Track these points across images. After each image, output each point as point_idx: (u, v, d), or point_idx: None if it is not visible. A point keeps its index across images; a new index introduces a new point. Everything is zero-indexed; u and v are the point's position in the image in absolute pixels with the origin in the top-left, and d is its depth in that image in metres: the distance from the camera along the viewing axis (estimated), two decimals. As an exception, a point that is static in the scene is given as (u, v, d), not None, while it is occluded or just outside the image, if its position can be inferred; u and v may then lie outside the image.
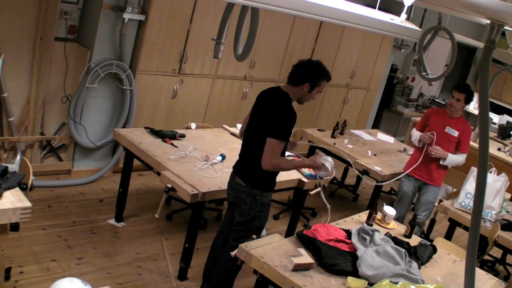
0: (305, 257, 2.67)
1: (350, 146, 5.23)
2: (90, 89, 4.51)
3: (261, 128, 3.06)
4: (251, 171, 3.15)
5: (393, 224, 3.56)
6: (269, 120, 3.03)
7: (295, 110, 3.07)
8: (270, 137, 2.99)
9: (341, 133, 5.59)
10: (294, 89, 3.11)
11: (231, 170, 3.30)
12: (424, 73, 2.80)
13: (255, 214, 3.18)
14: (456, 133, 4.41)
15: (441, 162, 4.45)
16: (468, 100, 4.42)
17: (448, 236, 4.44)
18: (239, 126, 4.91)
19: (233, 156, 4.08)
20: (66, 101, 4.56)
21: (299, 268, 2.60)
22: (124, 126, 4.78)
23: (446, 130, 4.43)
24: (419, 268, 2.91)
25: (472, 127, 4.50)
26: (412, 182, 4.62)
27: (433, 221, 5.13)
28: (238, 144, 4.47)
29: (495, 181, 4.23)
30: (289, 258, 2.61)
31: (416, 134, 4.61)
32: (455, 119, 4.45)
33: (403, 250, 2.89)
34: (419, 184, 4.62)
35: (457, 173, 5.35)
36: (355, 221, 3.48)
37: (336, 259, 2.71)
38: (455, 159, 4.47)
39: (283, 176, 3.98)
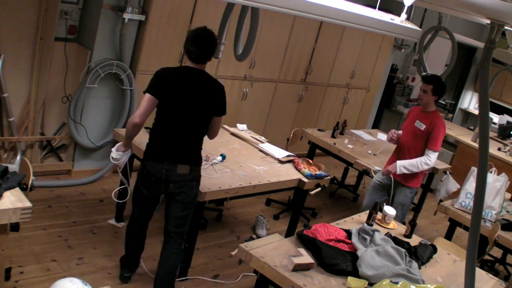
0: (305, 257, 2.67)
1: (350, 146, 5.24)
2: (90, 89, 4.51)
3: (204, 110, 3.11)
4: (195, 154, 3.18)
5: (393, 224, 3.56)
6: (215, 102, 3.14)
7: None
8: (219, 115, 3.19)
9: (341, 133, 5.59)
10: (204, 66, 3.12)
11: (163, 162, 3.08)
12: (424, 73, 2.80)
13: (197, 190, 3.24)
14: (423, 127, 4.19)
15: (397, 172, 4.21)
16: (437, 92, 4.15)
17: (448, 236, 4.44)
18: (239, 126, 4.92)
19: (234, 156, 4.10)
20: (66, 101, 4.56)
21: (299, 268, 2.60)
22: (124, 126, 4.77)
23: (415, 124, 4.27)
24: (419, 268, 2.91)
25: (441, 124, 4.19)
26: (386, 178, 4.39)
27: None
28: (238, 144, 4.48)
29: (495, 181, 4.23)
30: (289, 258, 2.61)
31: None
32: (426, 113, 4.25)
33: (403, 250, 2.89)
34: (393, 183, 4.33)
35: (458, 173, 5.36)
36: (355, 221, 3.48)
37: (336, 259, 2.71)
38: (408, 164, 4.19)
39: (283, 176, 3.99)
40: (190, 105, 3.07)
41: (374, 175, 4.56)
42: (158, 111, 3.13)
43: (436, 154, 4.19)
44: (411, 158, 4.24)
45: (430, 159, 4.16)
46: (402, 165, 4.21)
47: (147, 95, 3.03)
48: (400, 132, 4.48)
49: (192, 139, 3.16)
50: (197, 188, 3.23)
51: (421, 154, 4.21)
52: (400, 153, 4.38)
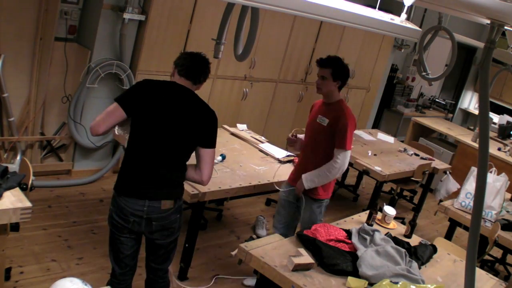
0: (305, 257, 2.67)
1: (350, 146, 5.23)
2: (90, 89, 4.51)
3: (186, 138, 2.60)
4: (177, 187, 2.69)
5: (393, 224, 3.56)
6: (200, 129, 2.62)
7: None
8: (209, 147, 2.65)
9: (341, 133, 5.58)
10: (195, 88, 2.69)
11: (143, 199, 2.59)
12: (424, 73, 2.80)
13: (180, 224, 2.78)
14: (326, 121, 3.39)
15: (306, 188, 3.44)
16: (338, 75, 3.35)
17: (448, 236, 4.44)
18: (239, 126, 4.92)
19: (234, 156, 4.09)
20: (66, 101, 4.56)
21: (299, 268, 2.60)
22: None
23: (317, 120, 3.45)
24: (419, 268, 2.92)
25: (348, 116, 3.36)
26: (291, 190, 3.63)
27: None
28: (238, 144, 4.48)
29: (495, 181, 4.23)
30: (289, 258, 2.61)
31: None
32: (329, 105, 3.44)
33: (403, 250, 2.89)
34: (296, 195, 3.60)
35: (458, 173, 5.36)
36: (355, 221, 3.48)
37: (337, 259, 2.71)
38: (315, 175, 3.39)
39: (284, 176, 3.99)
40: (169, 127, 2.57)
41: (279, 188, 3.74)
42: (131, 133, 2.62)
43: (347, 153, 3.36)
44: (317, 163, 3.43)
45: (337, 161, 3.34)
46: (309, 179, 3.41)
47: (114, 104, 2.55)
48: (302, 136, 3.67)
49: (173, 170, 2.64)
50: (180, 221, 2.77)
51: (331, 156, 3.39)
52: (306, 159, 3.55)
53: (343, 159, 3.36)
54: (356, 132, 5.94)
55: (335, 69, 3.34)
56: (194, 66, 2.64)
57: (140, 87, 2.61)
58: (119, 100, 2.57)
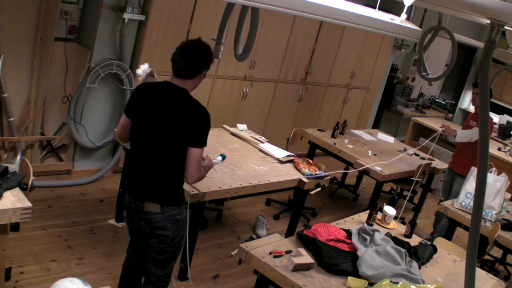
0: (306, 257, 2.67)
1: (350, 146, 5.24)
2: (90, 89, 4.51)
3: (174, 137, 2.57)
4: (165, 190, 2.65)
5: (393, 224, 3.56)
6: (186, 128, 2.55)
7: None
8: (194, 147, 2.56)
9: (341, 133, 5.59)
10: (190, 82, 2.64)
11: (130, 195, 2.70)
12: (424, 73, 2.80)
13: (178, 235, 2.74)
14: (474, 123, 5.02)
15: (454, 140, 5.11)
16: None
17: (448, 236, 4.44)
18: (239, 126, 4.91)
19: (234, 156, 4.09)
20: (66, 101, 4.56)
21: (299, 268, 2.60)
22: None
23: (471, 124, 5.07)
24: (419, 268, 2.91)
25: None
26: (448, 172, 5.33)
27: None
28: (238, 144, 4.48)
29: (495, 181, 4.22)
30: (289, 258, 2.61)
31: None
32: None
33: (403, 250, 2.89)
34: (451, 175, 5.24)
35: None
36: (355, 221, 3.48)
37: (337, 259, 2.71)
38: (463, 133, 4.99)
39: (283, 176, 3.99)
40: (156, 129, 2.59)
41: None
42: (130, 133, 2.74)
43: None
44: (471, 152, 4.93)
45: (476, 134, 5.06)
46: (462, 135, 4.99)
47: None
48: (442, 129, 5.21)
49: (160, 171, 2.63)
50: (176, 230, 2.71)
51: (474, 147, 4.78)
52: (460, 149, 5.19)
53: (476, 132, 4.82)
54: (356, 132, 5.94)
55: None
56: (185, 63, 2.59)
57: (135, 91, 2.75)
58: (125, 108, 2.78)
